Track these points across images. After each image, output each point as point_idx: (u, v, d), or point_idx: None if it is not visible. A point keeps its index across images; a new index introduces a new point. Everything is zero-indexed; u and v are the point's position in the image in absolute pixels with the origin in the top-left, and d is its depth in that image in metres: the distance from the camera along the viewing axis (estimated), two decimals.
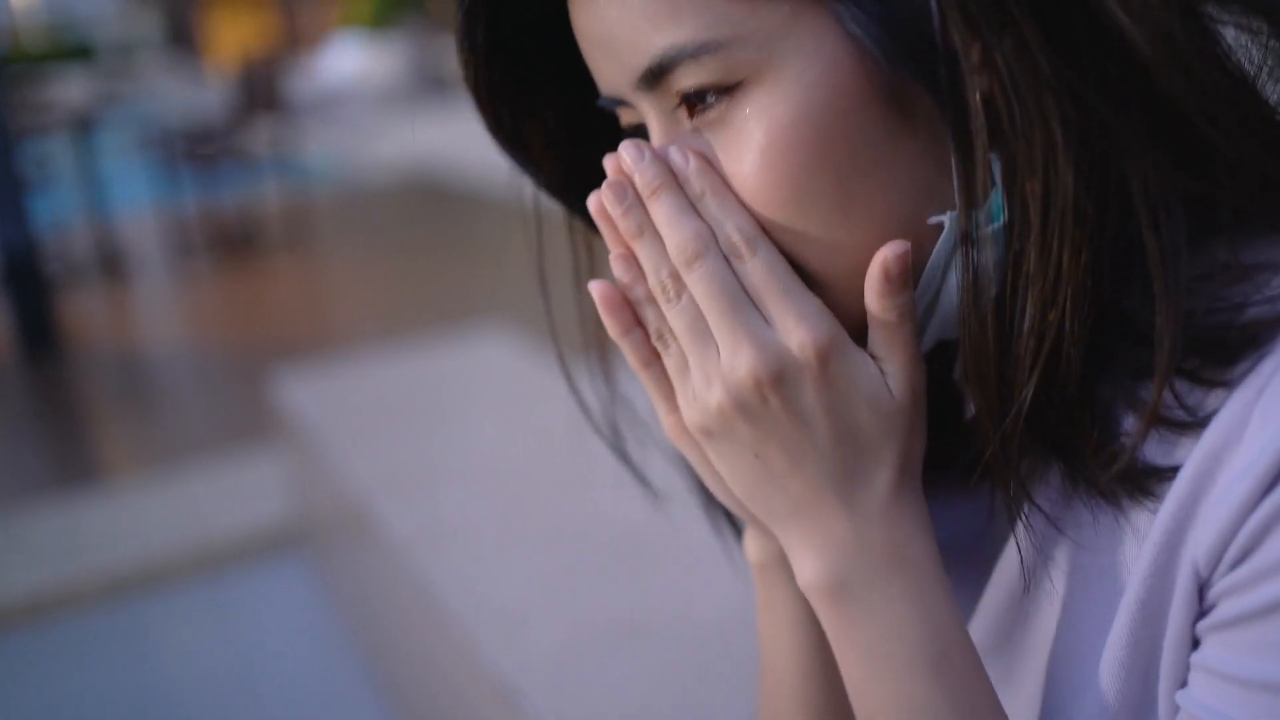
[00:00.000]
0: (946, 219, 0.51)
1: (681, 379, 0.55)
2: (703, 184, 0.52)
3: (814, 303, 0.51)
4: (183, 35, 26.73)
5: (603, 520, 2.02)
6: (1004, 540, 0.61)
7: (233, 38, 23.59)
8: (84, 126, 6.58)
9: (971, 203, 0.49)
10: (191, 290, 6.75)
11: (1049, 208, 0.47)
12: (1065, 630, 0.56)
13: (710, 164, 0.53)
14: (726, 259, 0.52)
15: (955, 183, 0.49)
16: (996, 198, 0.49)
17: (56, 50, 24.68)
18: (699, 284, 0.52)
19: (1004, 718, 0.54)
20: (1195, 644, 0.49)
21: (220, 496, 3.49)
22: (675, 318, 0.53)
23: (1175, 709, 0.50)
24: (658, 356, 0.57)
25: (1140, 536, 0.51)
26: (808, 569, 0.55)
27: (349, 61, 13.42)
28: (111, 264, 6.86)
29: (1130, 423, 0.51)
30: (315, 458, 2.63)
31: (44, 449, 4.38)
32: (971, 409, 0.65)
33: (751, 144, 0.50)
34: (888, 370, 0.53)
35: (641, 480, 0.75)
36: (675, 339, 0.55)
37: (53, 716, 2.65)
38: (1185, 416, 0.49)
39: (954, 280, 0.52)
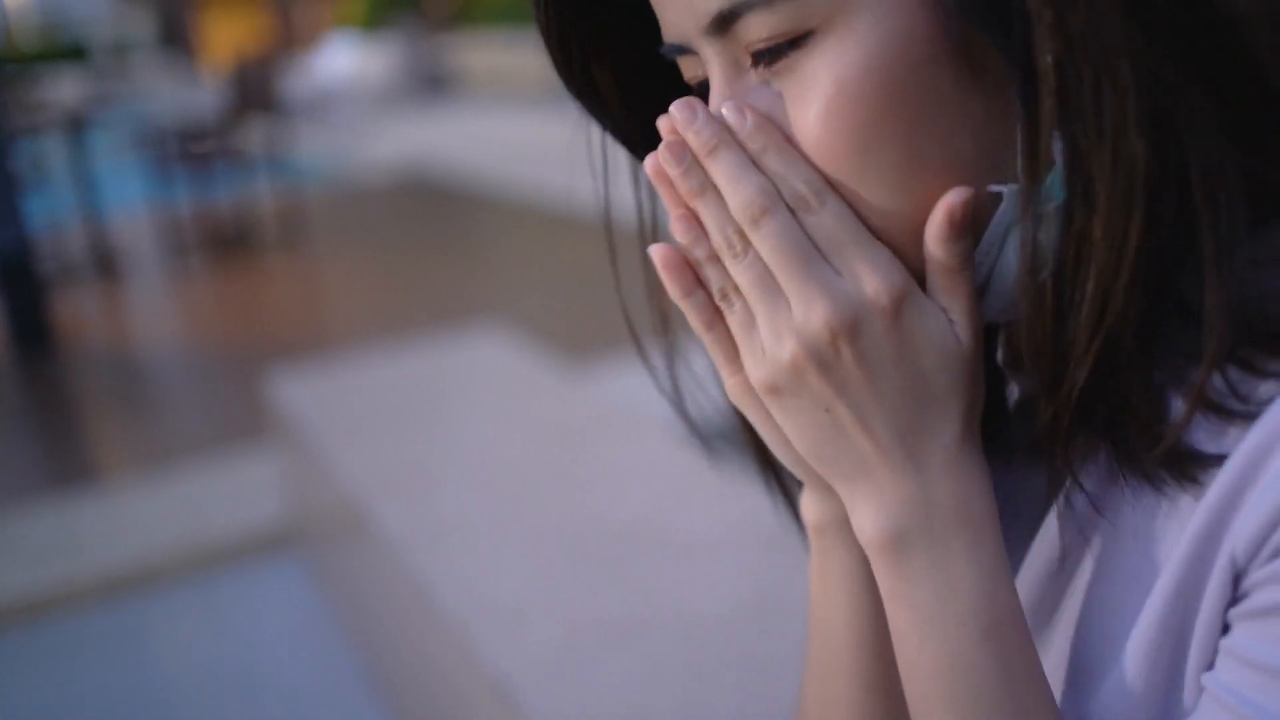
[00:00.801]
0: (1006, 190, 0.50)
1: (748, 337, 0.54)
2: (763, 139, 0.52)
3: (884, 252, 0.51)
4: (176, 35, 26.69)
5: (599, 518, 2.02)
6: (1041, 518, 0.61)
7: (227, 38, 23.55)
8: (78, 126, 6.57)
9: (1035, 171, 0.48)
10: (186, 290, 6.74)
11: (1116, 180, 0.46)
12: (1096, 609, 0.56)
13: (768, 120, 0.52)
14: (792, 212, 0.51)
15: (1020, 149, 0.49)
16: (1058, 173, 0.48)
17: (50, 50, 24.63)
18: (766, 239, 0.51)
19: (1048, 690, 0.54)
20: (1225, 629, 0.49)
21: (216, 496, 3.48)
22: (742, 274, 0.53)
23: (1200, 690, 0.50)
24: (720, 319, 0.56)
25: (1181, 523, 0.51)
26: (869, 524, 0.54)
27: (343, 61, 13.41)
28: (106, 264, 6.84)
29: (1180, 407, 0.50)
30: (311, 457, 2.63)
31: (39, 449, 4.38)
32: (1015, 393, 0.65)
33: (819, 94, 0.50)
34: (953, 318, 0.52)
35: (702, 438, 0.75)
36: (740, 297, 0.54)
37: (49, 716, 2.64)
38: (1236, 405, 0.49)
39: (1011, 253, 0.51)
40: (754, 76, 0.53)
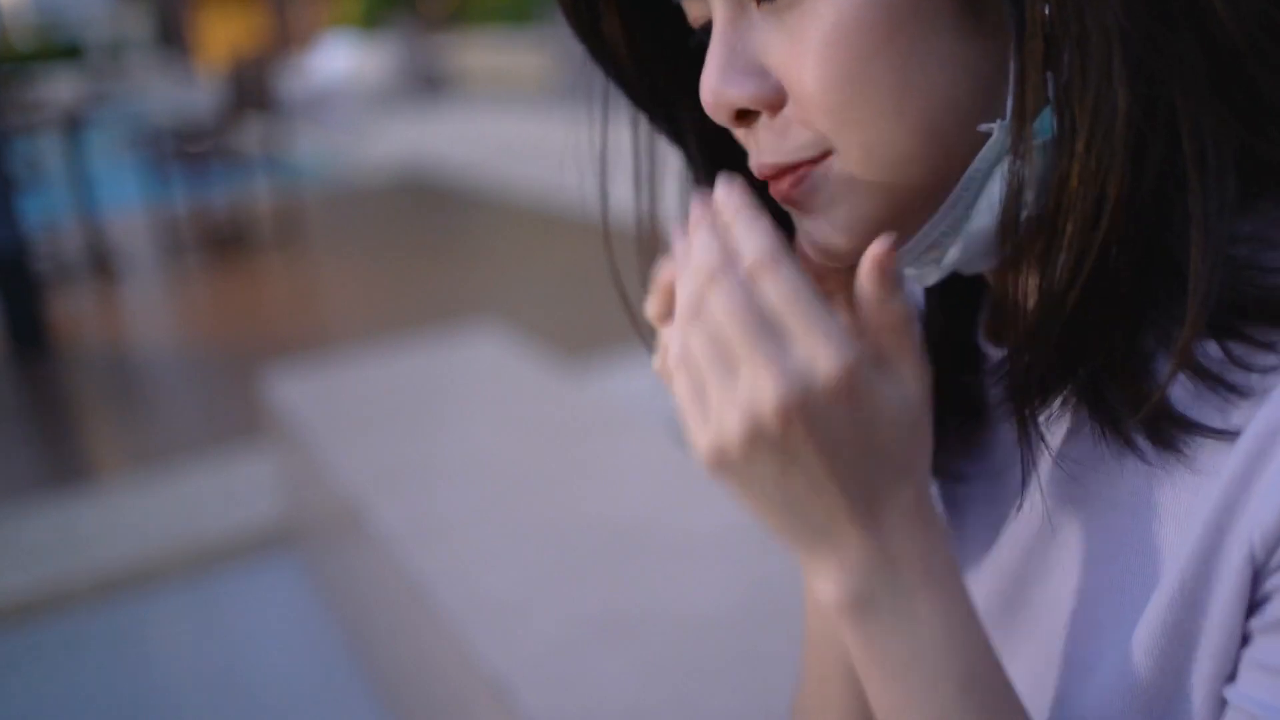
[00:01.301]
0: (996, 126, 0.50)
1: (697, 406, 0.52)
2: (733, 208, 0.52)
3: (835, 322, 0.49)
4: (173, 35, 26.68)
5: (596, 517, 2.02)
6: (1016, 498, 0.61)
7: (223, 37, 23.54)
8: (74, 126, 6.56)
9: (1022, 111, 0.48)
10: (182, 289, 6.74)
11: (1096, 128, 0.47)
12: (1083, 593, 0.56)
13: (740, 190, 0.52)
14: (749, 282, 0.50)
15: (1010, 90, 0.49)
16: (1048, 114, 0.48)
17: (46, 49, 24.62)
18: (719, 304, 0.49)
19: None
20: (1245, 638, 0.49)
21: (212, 495, 3.48)
22: (694, 337, 0.51)
23: (1215, 702, 0.50)
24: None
25: (1185, 505, 0.50)
26: (832, 588, 0.53)
27: (340, 61, 13.40)
28: (102, 263, 6.84)
29: (1181, 383, 0.50)
30: (307, 456, 2.63)
31: (34, 448, 4.37)
32: (991, 357, 0.64)
33: (818, 27, 0.50)
34: (903, 375, 0.52)
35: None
36: (694, 363, 0.52)
37: (44, 716, 2.64)
38: (1236, 376, 0.49)
39: (994, 193, 0.51)
40: (756, 14, 0.53)
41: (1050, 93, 0.48)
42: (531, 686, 1.53)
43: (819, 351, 0.48)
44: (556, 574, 1.84)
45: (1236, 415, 0.49)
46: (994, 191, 0.51)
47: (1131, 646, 0.52)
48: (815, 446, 0.49)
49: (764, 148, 0.55)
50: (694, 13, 0.58)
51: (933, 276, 0.58)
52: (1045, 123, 0.49)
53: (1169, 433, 0.50)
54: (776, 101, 0.53)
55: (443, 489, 2.22)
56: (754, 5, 0.53)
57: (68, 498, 3.59)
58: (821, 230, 0.55)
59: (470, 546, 1.98)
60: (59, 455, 4.24)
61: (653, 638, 1.62)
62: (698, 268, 0.51)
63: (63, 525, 3.38)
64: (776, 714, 1.39)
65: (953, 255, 0.55)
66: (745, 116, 0.55)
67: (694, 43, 0.61)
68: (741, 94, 0.53)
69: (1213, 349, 0.49)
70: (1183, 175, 0.47)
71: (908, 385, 0.52)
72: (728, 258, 0.50)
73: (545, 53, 14.56)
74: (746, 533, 1.89)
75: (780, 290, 0.49)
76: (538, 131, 11.55)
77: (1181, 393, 0.50)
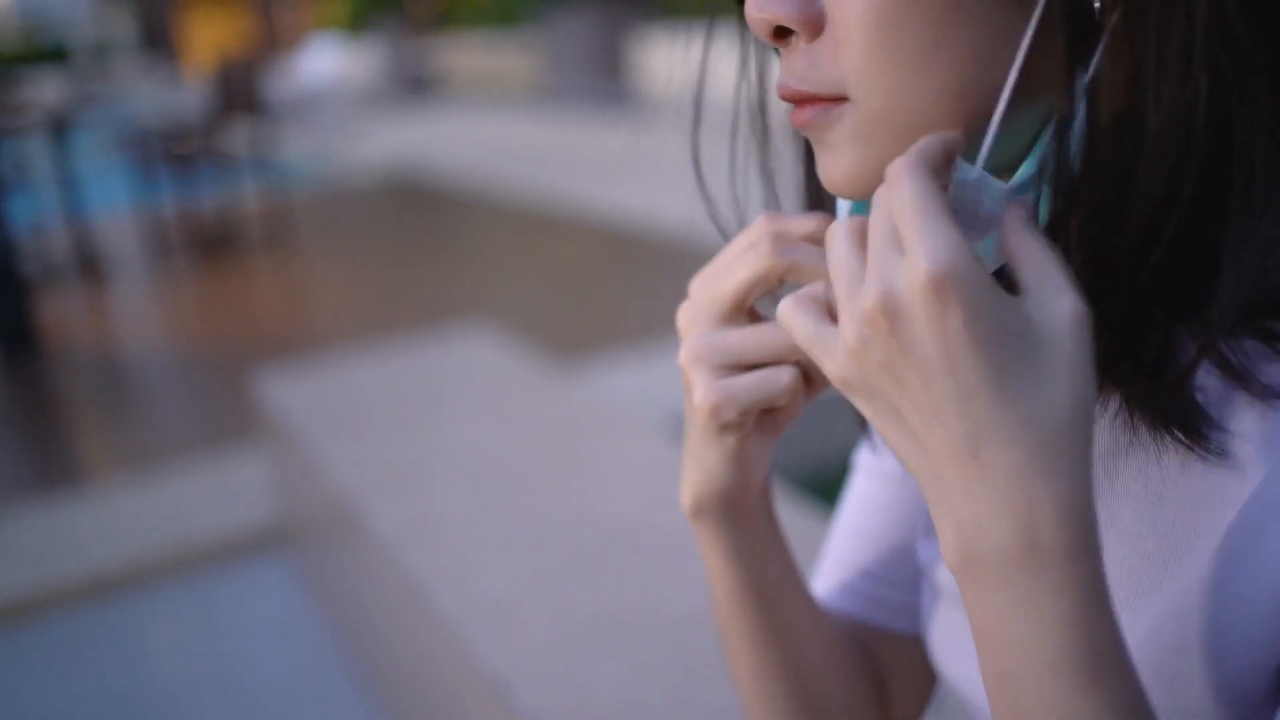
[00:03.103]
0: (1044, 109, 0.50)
1: (826, 328, 0.50)
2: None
3: (944, 227, 0.44)
4: (159, 37, 26.59)
5: (590, 515, 2.03)
6: None
7: (209, 39, 23.47)
8: (60, 128, 6.54)
9: (1070, 91, 0.48)
10: (171, 291, 6.72)
11: (1174, 113, 0.46)
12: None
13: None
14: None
15: (1062, 68, 0.48)
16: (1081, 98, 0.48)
17: (32, 51, 24.51)
18: (884, 198, 0.47)
19: None
20: None
21: (204, 496, 3.48)
22: (831, 249, 0.49)
23: (1233, 683, 0.51)
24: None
25: (1215, 503, 0.51)
26: (947, 543, 0.47)
27: (327, 63, 13.39)
28: (91, 265, 6.82)
29: (1209, 374, 0.51)
30: (299, 457, 2.64)
31: (25, 451, 4.36)
32: None
33: None
34: (1040, 287, 0.46)
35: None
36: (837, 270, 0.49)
37: (37, 717, 2.64)
38: (1273, 376, 0.49)
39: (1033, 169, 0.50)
40: None
41: (1086, 76, 0.48)
42: (527, 684, 1.54)
43: (920, 256, 0.44)
44: (552, 572, 1.85)
45: (1267, 412, 0.50)
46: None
47: (1139, 631, 0.53)
48: (916, 365, 0.45)
49: (793, 71, 0.54)
50: None
51: None
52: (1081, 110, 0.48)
53: (1199, 427, 0.51)
54: (816, 25, 0.53)
55: (437, 489, 2.22)
56: None
57: (60, 500, 3.58)
58: (827, 165, 0.55)
59: (465, 546, 1.99)
60: (50, 458, 4.23)
61: (648, 635, 1.63)
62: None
63: (55, 527, 3.38)
64: None
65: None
66: (783, 34, 0.54)
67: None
68: (783, 10, 0.52)
69: (1248, 346, 0.50)
70: (1229, 172, 0.47)
71: (1047, 296, 0.46)
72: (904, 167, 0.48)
73: (532, 54, 14.56)
74: None
75: (904, 196, 0.46)
76: (526, 132, 11.55)
77: (1213, 389, 0.51)
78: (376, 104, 15.30)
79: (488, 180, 8.97)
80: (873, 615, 0.80)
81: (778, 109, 0.63)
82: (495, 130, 12.01)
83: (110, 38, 25.41)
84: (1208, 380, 0.52)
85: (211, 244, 7.34)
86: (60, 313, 6.08)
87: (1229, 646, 0.51)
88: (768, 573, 0.70)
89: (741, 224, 0.66)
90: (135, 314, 6.25)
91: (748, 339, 0.60)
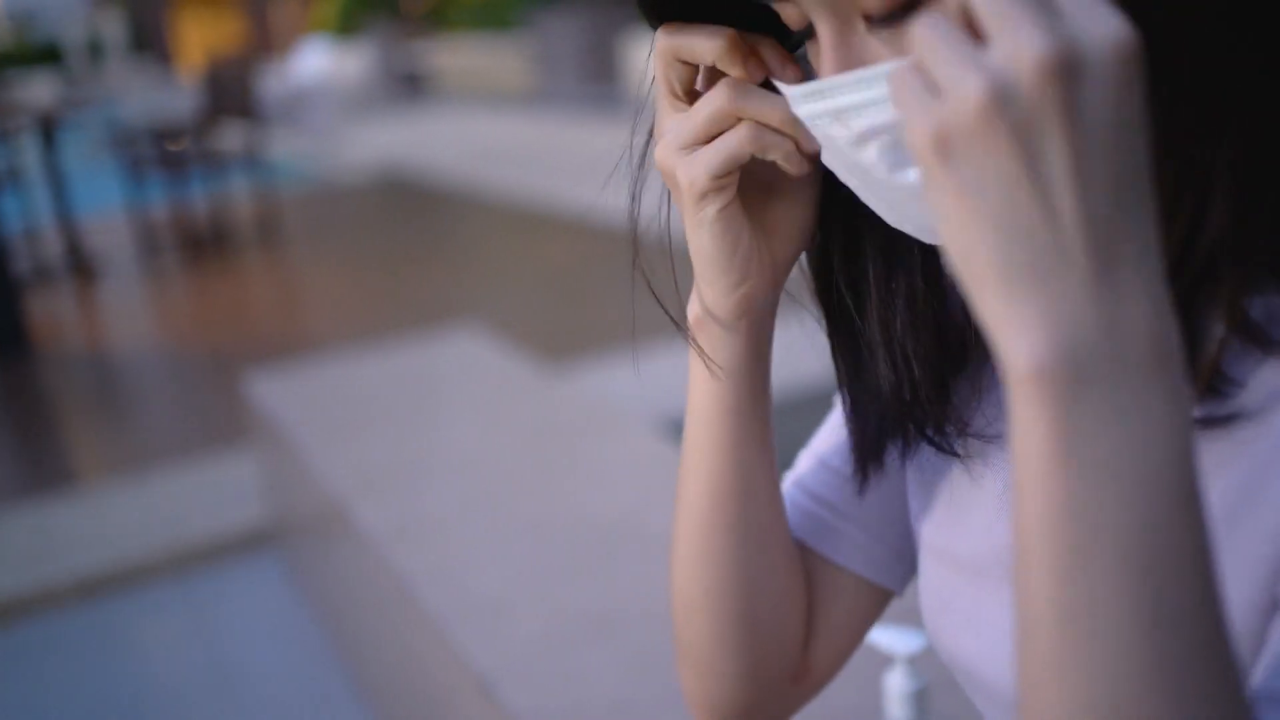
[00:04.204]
0: None
1: (921, 90, 0.43)
2: None
3: (1114, 6, 0.41)
4: (151, 38, 26.55)
5: (579, 514, 2.04)
6: None
7: (201, 41, 23.45)
8: (51, 128, 6.53)
9: None
10: (162, 291, 6.72)
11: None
12: None
13: None
14: None
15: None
16: None
17: (23, 52, 24.46)
18: None
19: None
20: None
21: (194, 497, 3.48)
22: (931, 28, 0.42)
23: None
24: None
25: (1210, 466, 0.53)
26: (1041, 345, 0.41)
27: (318, 64, 13.37)
28: (82, 266, 6.81)
29: (1217, 333, 0.52)
30: (290, 457, 2.64)
31: (16, 452, 4.36)
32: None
33: None
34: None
35: (704, 357, 0.70)
36: (924, 46, 0.43)
37: (28, 718, 2.64)
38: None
39: None
40: (863, 30, 0.54)
41: None
42: (517, 683, 1.55)
43: (1102, 14, 0.40)
44: (541, 572, 1.86)
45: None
46: None
47: None
48: (1072, 133, 0.40)
49: None
50: (789, 15, 0.57)
51: None
52: None
53: (1220, 387, 0.52)
54: None
55: (428, 489, 2.23)
56: (861, 23, 0.54)
57: (50, 501, 3.58)
58: None
59: (455, 545, 1.99)
60: (40, 458, 4.23)
61: (637, 634, 1.64)
62: None
63: (46, 527, 3.38)
64: None
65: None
66: None
67: (793, 43, 0.61)
68: None
69: (1273, 303, 0.51)
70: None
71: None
72: None
73: (524, 55, 14.56)
74: None
75: None
76: (517, 133, 11.55)
77: (1232, 351, 0.53)
78: (368, 105, 15.28)
79: (479, 181, 8.97)
80: (812, 537, 0.79)
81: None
82: (486, 131, 12.01)
83: (102, 38, 25.35)
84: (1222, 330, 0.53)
85: (203, 244, 7.33)
86: (51, 313, 6.08)
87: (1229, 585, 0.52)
88: (750, 413, 0.71)
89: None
90: (126, 314, 6.25)
91: (693, 112, 0.61)
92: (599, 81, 12.86)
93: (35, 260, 6.69)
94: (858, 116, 0.51)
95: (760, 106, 0.60)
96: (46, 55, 24.69)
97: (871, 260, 0.67)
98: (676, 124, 0.62)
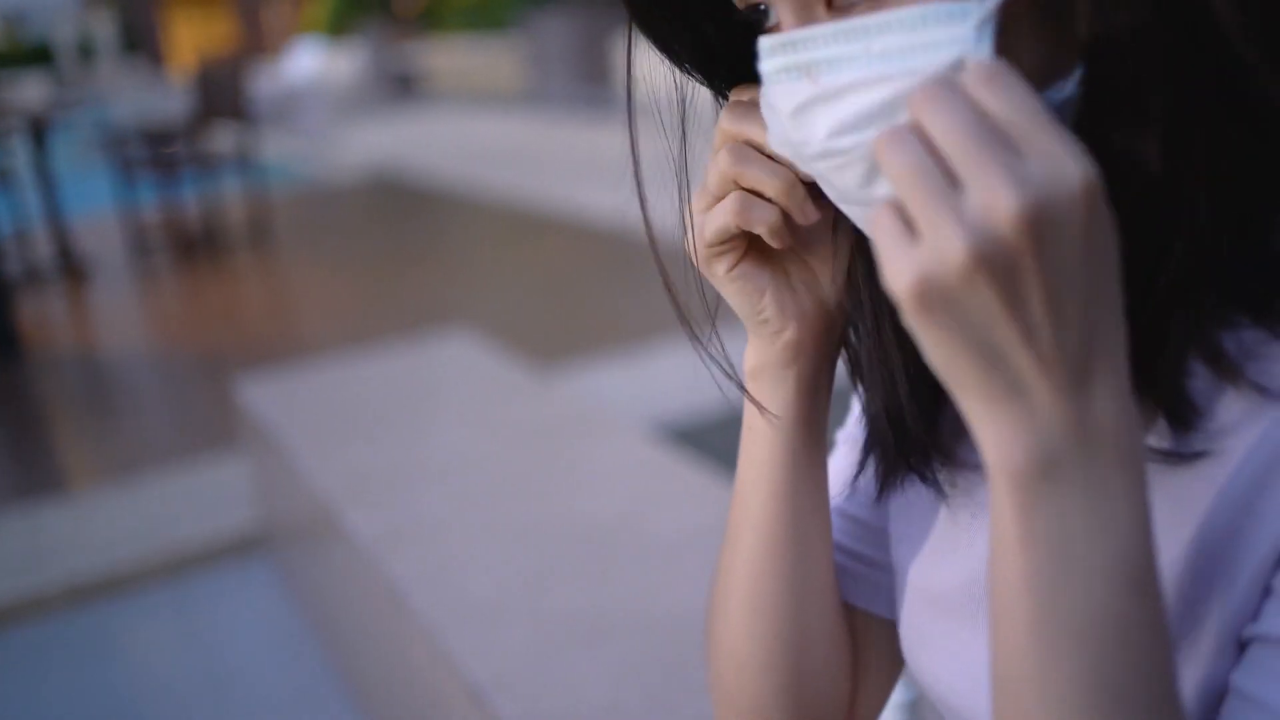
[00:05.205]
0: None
1: (901, 234, 0.44)
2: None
3: (1070, 135, 0.43)
4: (143, 39, 26.50)
5: (571, 520, 2.03)
6: None
7: (191, 42, 23.42)
8: (42, 129, 6.51)
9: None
10: (154, 294, 6.70)
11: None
12: None
13: None
14: (971, 95, 0.45)
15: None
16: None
17: (14, 53, 24.41)
18: (937, 117, 0.44)
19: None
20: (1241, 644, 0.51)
21: (185, 502, 3.47)
22: (900, 156, 0.44)
23: (1207, 672, 0.52)
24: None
25: (1186, 496, 0.53)
26: (1017, 450, 0.46)
27: (310, 65, 13.35)
28: (72, 268, 6.79)
29: (1200, 372, 0.52)
30: (281, 461, 2.63)
31: (4, 456, 4.34)
32: None
33: None
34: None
35: (728, 372, 0.70)
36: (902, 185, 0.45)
37: None
38: (1251, 368, 0.50)
39: None
40: (823, 14, 0.54)
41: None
42: (507, 688, 1.54)
43: (1062, 158, 0.42)
44: (532, 577, 1.85)
45: (1254, 407, 0.51)
46: None
47: None
48: (1044, 275, 0.42)
49: None
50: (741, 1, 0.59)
51: None
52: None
53: (1189, 419, 0.52)
54: None
55: (419, 493, 2.22)
56: (822, 8, 0.54)
57: (40, 505, 3.56)
58: None
59: (446, 550, 1.99)
60: (31, 462, 4.21)
61: (629, 639, 1.63)
62: (908, 98, 0.46)
63: (36, 533, 3.36)
64: None
65: None
66: None
67: (740, 19, 0.61)
68: None
69: (1246, 336, 0.51)
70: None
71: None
72: (942, 80, 0.45)
73: (516, 56, 14.56)
74: (719, 534, 1.90)
75: (1008, 99, 0.44)
76: (509, 134, 11.55)
77: (1203, 385, 0.53)
78: (359, 106, 15.27)
79: (471, 182, 8.96)
80: (848, 591, 0.79)
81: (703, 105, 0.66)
82: (479, 132, 12.00)
83: (93, 39, 25.30)
84: (1197, 370, 0.53)
85: (194, 246, 7.32)
86: (41, 315, 6.06)
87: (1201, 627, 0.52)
88: (805, 462, 0.70)
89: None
90: (117, 317, 6.23)
91: (707, 172, 0.63)
92: (591, 82, 12.86)
93: (25, 262, 6.67)
94: (831, 72, 0.50)
95: (755, 174, 0.60)
96: (37, 56, 24.64)
97: (864, 279, 0.66)
98: (701, 184, 0.64)
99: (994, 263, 0.42)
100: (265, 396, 2.93)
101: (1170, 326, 0.52)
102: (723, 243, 0.63)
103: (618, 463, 2.28)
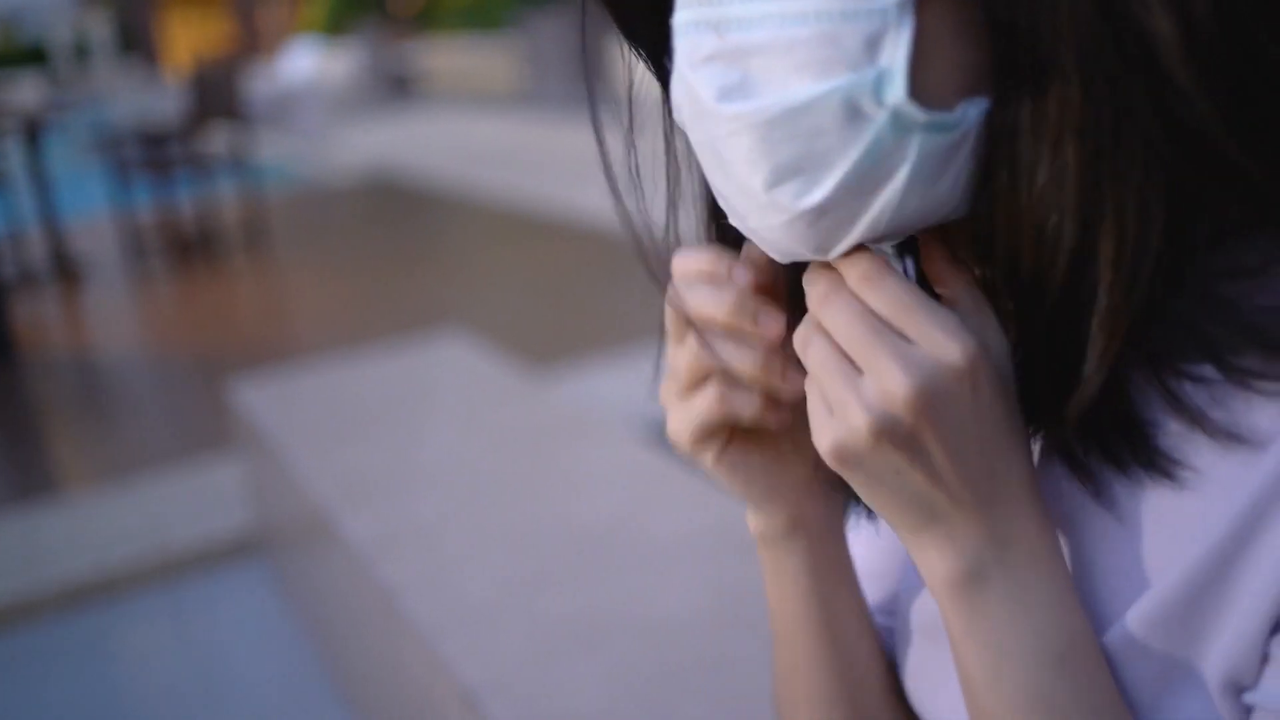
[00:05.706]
0: (975, 107, 0.48)
1: (821, 408, 0.53)
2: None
3: (953, 315, 0.50)
4: (138, 40, 26.48)
5: (565, 523, 2.03)
6: None
7: (188, 42, 23.40)
8: (36, 130, 6.50)
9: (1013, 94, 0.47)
10: (149, 296, 6.69)
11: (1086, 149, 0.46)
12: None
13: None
14: (857, 297, 0.52)
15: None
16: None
17: (9, 54, 24.38)
18: (833, 316, 0.51)
19: (1125, 711, 0.54)
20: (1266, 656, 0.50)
21: (179, 504, 3.46)
22: (813, 355, 0.53)
23: (1207, 704, 0.51)
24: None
25: (1182, 525, 0.51)
26: (941, 567, 0.54)
27: (306, 65, 13.35)
28: (67, 269, 6.78)
29: (1156, 406, 0.52)
30: (276, 464, 2.62)
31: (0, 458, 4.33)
32: None
33: None
34: (1000, 351, 0.52)
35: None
36: (816, 370, 0.53)
37: None
38: (1220, 416, 0.50)
39: (906, 170, 0.47)
40: None
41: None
42: (501, 693, 1.54)
43: (940, 342, 0.49)
44: (526, 580, 1.85)
45: (1227, 453, 0.50)
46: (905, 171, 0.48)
47: (1106, 648, 0.54)
48: (940, 437, 0.50)
49: None
50: None
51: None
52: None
53: (1158, 462, 0.52)
54: None
55: (413, 496, 2.22)
56: None
57: (35, 508, 3.56)
58: None
59: (440, 554, 1.98)
60: (24, 465, 4.20)
61: (622, 643, 1.63)
62: (811, 294, 0.53)
63: (31, 536, 3.36)
64: (745, 718, 1.40)
65: (863, 226, 0.51)
66: None
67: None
68: None
69: (1214, 384, 0.50)
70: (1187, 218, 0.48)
71: (1006, 360, 0.53)
72: (831, 282, 0.52)
73: (512, 57, 14.56)
74: (714, 537, 1.90)
75: (889, 295, 0.51)
76: (505, 135, 11.54)
77: (1175, 427, 0.51)
78: (355, 106, 15.26)
79: (467, 183, 8.95)
80: (891, 651, 0.78)
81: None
82: (475, 133, 11.99)
83: (88, 39, 25.27)
84: (1168, 417, 0.52)
85: (189, 248, 7.31)
86: (36, 318, 6.05)
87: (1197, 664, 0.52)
88: (833, 601, 0.70)
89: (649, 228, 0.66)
90: (112, 319, 6.22)
91: (673, 359, 0.62)
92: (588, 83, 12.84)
93: (20, 264, 6.66)
94: (740, 30, 0.47)
95: (729, 356, 0.59)
96: (32, 56, 24.62)
97: None
98: (669, 366, 0.63)
99: (894, 435, 0.49)
100: (260, 399, 2.92)
101: (1122, 379, 0.51)
102: (704, 437, 0.62)
103: (613, 466, 2.28)
